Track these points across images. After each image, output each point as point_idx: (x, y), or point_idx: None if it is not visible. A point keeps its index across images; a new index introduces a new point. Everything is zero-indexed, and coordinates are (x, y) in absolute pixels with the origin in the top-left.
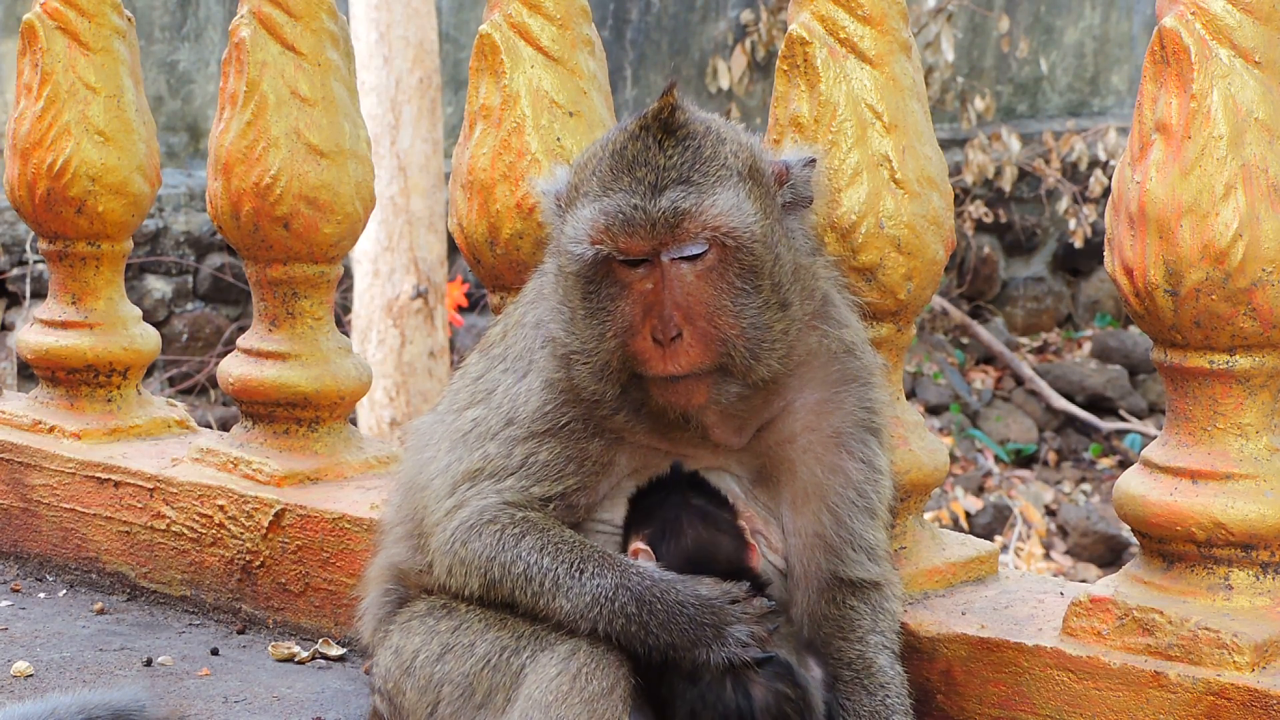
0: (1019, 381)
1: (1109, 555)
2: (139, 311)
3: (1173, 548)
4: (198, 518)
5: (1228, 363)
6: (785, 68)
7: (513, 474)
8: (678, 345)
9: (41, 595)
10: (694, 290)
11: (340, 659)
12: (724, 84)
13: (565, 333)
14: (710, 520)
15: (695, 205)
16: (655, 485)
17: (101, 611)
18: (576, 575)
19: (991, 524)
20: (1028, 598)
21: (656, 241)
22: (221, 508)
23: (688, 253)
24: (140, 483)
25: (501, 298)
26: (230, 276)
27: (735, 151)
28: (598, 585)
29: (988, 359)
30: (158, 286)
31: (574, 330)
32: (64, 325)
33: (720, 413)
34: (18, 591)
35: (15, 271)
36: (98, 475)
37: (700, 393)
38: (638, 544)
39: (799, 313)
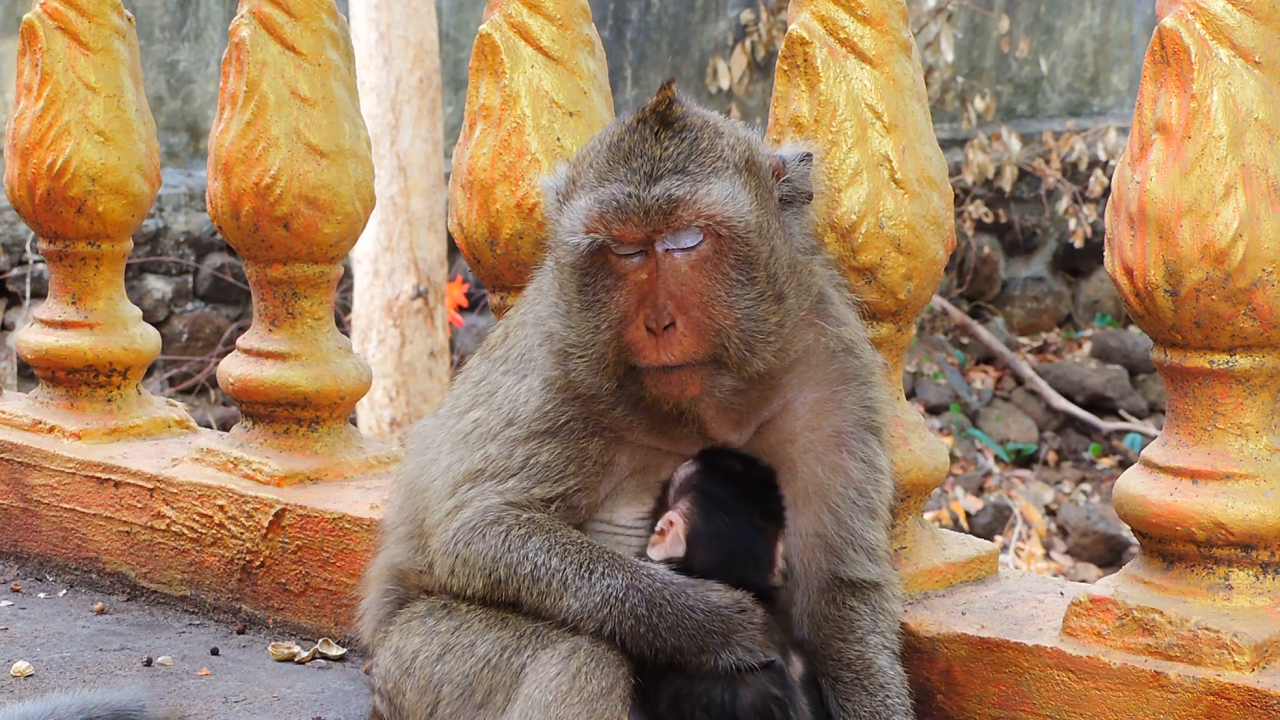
0: (1019, 381)
1: (1109, 555)
2: (139, 311)
3: (1173, 548)
4: (198, 518)
5: (1228, 363)
6: (785, 68)
7: (514, 475)
8: (671, 335)
9: (41, 595)
10: (688, 280)
11: (340, 659)
12: (724, 84)
13: (562, 326)
14: (754, 552)
15: (689, 194)
16: (727, 469)
17: (101, 611)
18: (586, 575)
19: (991, 524)
20: (1028, 598)
21: (650, 229)
22: (221, 508)
23: (682, 242)
24: (140, 483)
25: (502, 298)
26: (230, 276)
27: (732, 144)
28: (608, 586)
29: (988, 359)
30: (158, 286)
31: (570, 323)
32: (64, 325)
33: (716, 407)
34: (18, 591)
35: (15, 271)
36: (98, 475)
37: (694, 384)
38: (674, 515)
39: (794, 306)
